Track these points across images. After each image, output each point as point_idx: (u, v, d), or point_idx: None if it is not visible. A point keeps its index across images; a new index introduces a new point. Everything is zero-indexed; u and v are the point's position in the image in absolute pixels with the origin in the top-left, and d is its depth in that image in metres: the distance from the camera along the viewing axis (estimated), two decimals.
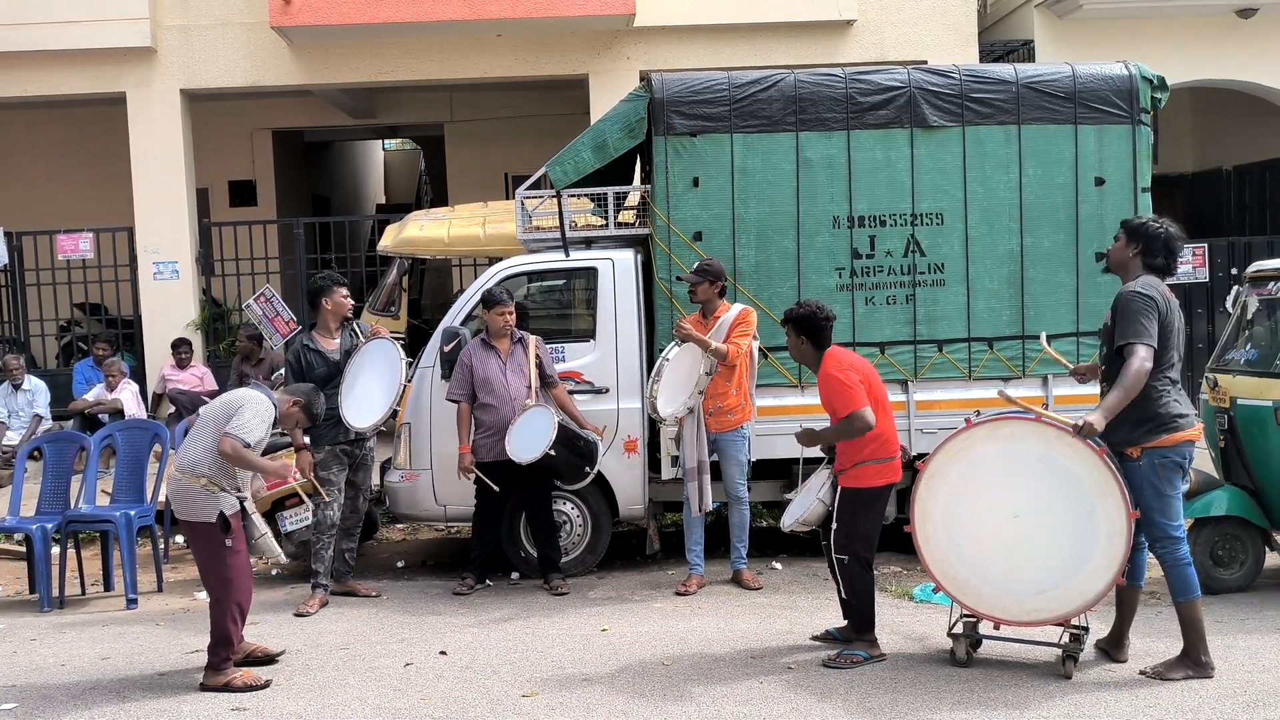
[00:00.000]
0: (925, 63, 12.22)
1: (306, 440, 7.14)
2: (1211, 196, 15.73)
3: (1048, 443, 5.64)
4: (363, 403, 7.35)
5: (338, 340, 7.56)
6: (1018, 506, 5.67)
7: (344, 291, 7.62)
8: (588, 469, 7.52)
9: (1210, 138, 16.12)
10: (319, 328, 7.63)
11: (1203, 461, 7.01)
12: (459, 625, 6.99)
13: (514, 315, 7.71)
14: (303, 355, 7.49)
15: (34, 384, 11.69)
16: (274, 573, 8.39)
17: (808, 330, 6.15)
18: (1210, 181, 15.95)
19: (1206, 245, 12.41)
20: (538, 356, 7.68)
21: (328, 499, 7.42)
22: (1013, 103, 8.02)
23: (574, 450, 7.44)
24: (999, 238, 8.04)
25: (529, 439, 7.37)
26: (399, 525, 9.57)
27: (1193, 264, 12.29)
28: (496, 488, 7.55)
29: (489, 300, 7.74)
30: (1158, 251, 5.71)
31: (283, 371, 10.09)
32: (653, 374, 7.43)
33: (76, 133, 15.42)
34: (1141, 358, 5.44)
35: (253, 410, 5.97)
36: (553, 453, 7.27)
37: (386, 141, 24.03)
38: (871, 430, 5.92)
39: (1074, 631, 5.78)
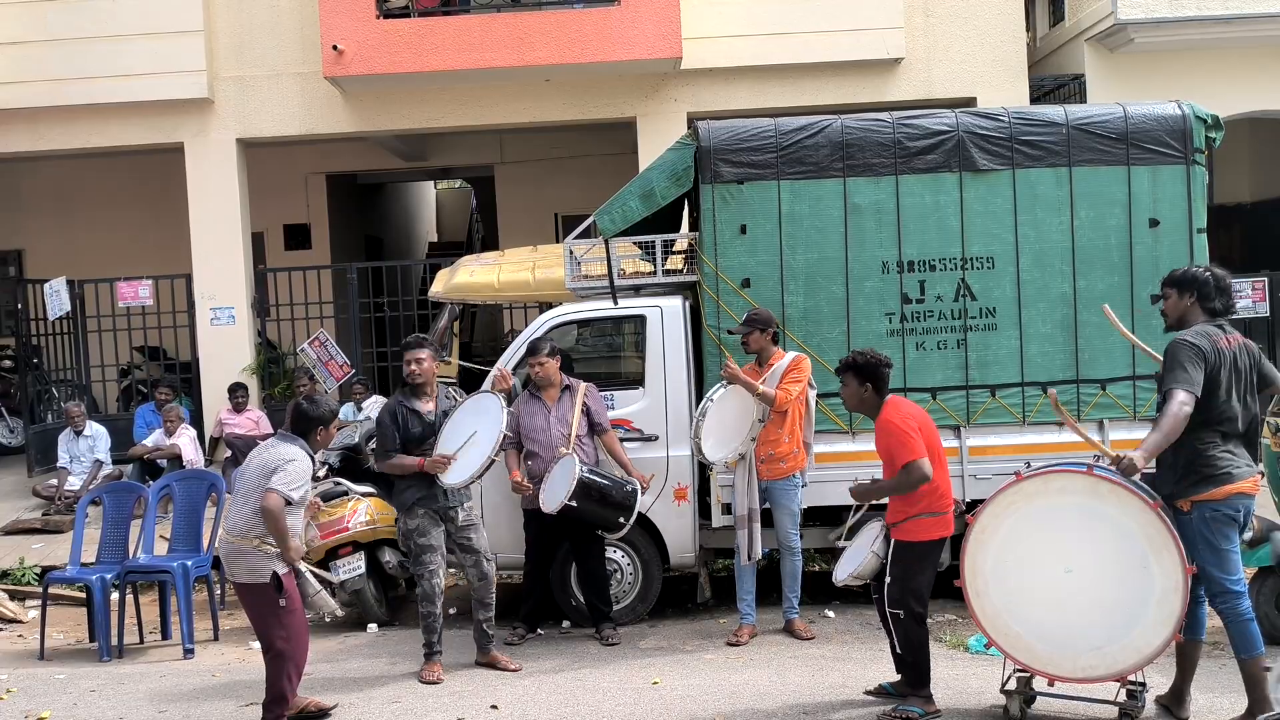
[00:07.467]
0: (974, 100, 12.28)
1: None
2: (1271, 227, 15.47)
3: (1099, 497, 5.55)
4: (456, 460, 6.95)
5: (433, 404, 7.15)
6: (1070, 561, 5.58)
7: (421, 354, 7.08)
8: (622, 519, 7.46)
9: (1269, 167, 15.87)
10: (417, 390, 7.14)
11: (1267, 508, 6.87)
12: (511, 677, 6.99)
13: (545, 366, 7.61)
14: (399, 412, 7.07)
15: (95, 430, 11.90)
16: (326, 619, 8.42)
17: (872, 378, 6.07)
18: (1270, 211, 15.69)
19: (1266, 280, 12.16)
20: (585, 404, 7.69)
21: (430, 564, 7.03)
22: (1063, 144, 7.95)
23: (603, 502, 7.39)
24: (1051, 281, 7.96)
25: (555, 489, 7.39)
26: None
27: (1253, 298, 12.04)
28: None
29: (526, 350, 7.77)
30: (1211, 295, 5.65)
31: (355, 423, 10.09)
32: (697, 415, 7.43)
33: (135, 182, 15.71)
34: (1180, 401, 5.34)
35: (292, 469, 5.99)
36: (573, 504, 7.24)
37: (438, 181, 24.25)
38: (928, 483, 5.86)
39: (1131, 688, 5.68)
